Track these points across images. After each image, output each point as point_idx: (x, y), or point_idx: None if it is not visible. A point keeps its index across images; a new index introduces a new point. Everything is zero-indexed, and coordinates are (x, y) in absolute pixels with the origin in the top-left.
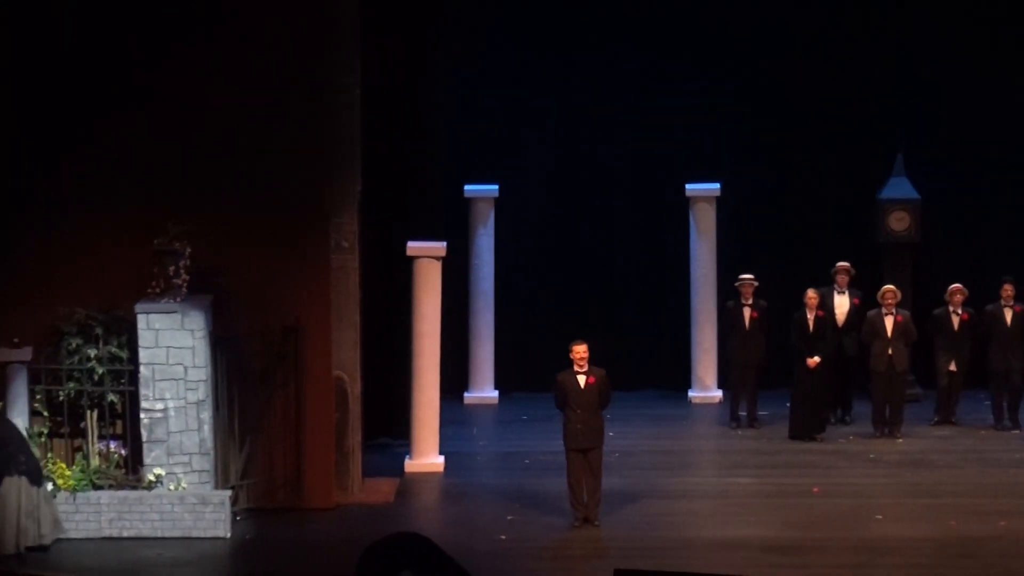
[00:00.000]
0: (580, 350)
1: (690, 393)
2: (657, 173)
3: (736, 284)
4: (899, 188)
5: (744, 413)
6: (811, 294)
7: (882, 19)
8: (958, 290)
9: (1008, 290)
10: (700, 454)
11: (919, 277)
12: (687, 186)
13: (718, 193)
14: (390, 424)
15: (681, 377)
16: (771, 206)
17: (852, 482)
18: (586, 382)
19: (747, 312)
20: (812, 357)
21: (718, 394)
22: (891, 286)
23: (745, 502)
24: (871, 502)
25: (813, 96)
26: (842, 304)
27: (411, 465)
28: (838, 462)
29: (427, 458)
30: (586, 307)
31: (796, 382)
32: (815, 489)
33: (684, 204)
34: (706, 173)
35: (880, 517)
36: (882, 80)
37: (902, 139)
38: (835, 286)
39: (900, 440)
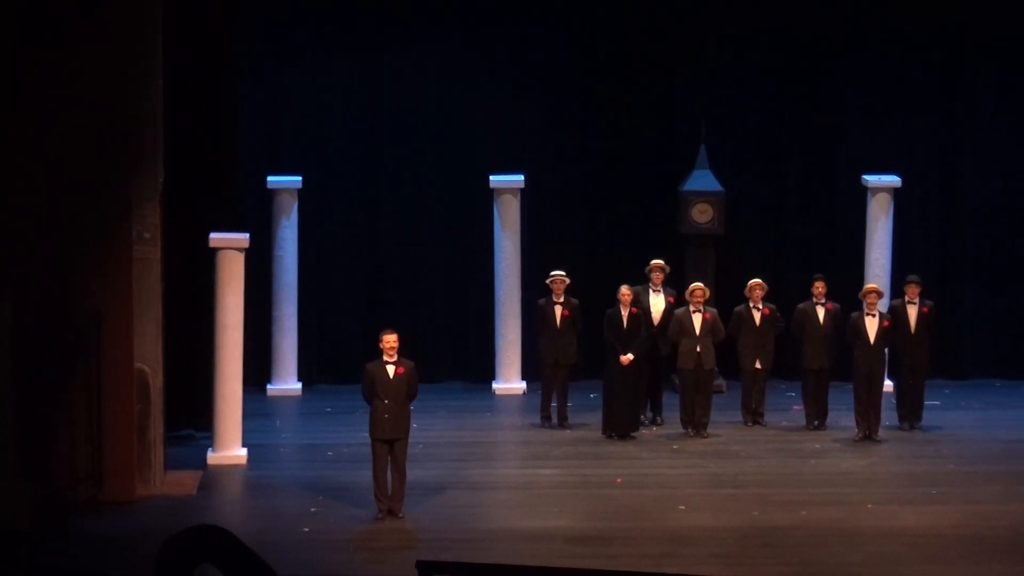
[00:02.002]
0: (390, 339)
1: (494, 385)
2: (461, 164)
3: (547, 281)
4: (702, 180)
5: (555, 405)
6: (625, 290)
7: (685, 11)
8: (757, 285)
9: (820, 288)
10: (504, 446)
11: (722, 270)
12: (491, 177)
13: (522, 185)
14: (193, 416)
15: (485, 369)
16: (576, 198)
17: (655, 473)
18: (395, 372)
19: (558, 310)
20: (625, 354)
21: (522, 386)
22: (699, 284)
23: (549, 493)
24: (674, 492)
25: (616, 87)
26: (657, 303)
27: (214, 458)
28: (641, 453)
29: (230, 450)
30: (390, 299)
31: (608, 379)
32: (618, 480)
33: (488, 196)
34: (510, 165)
35: (683, 507)
36: (685, 72)
37: (705, 131)
38: (650, 284)
39: (708, 438)
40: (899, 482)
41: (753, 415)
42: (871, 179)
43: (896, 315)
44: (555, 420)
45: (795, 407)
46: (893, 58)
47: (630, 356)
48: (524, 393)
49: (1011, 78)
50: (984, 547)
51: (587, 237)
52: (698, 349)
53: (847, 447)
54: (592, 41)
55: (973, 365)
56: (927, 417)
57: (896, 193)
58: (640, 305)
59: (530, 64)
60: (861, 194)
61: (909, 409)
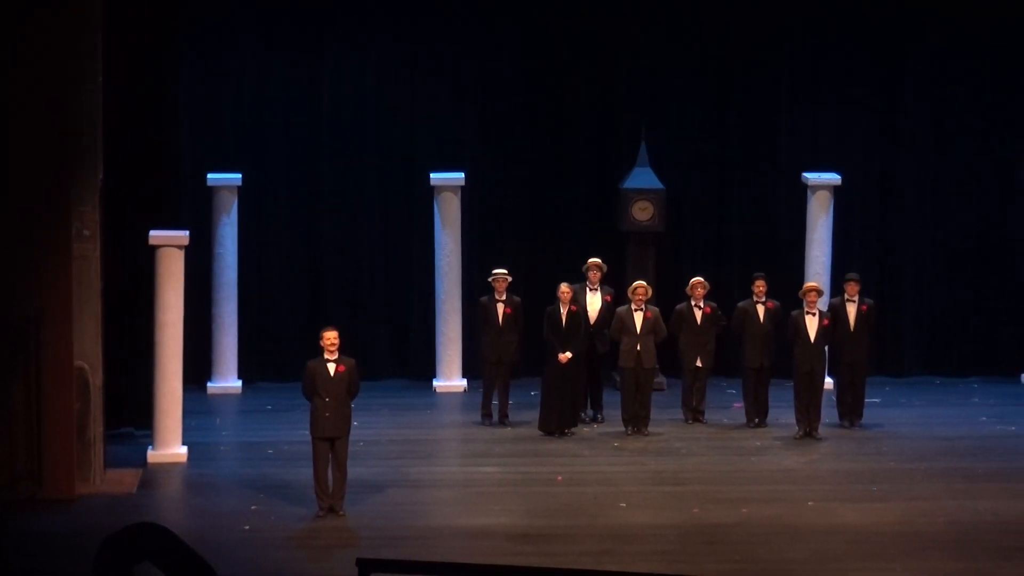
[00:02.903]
0: (331, 336)
1: (435, 383)
2: (401, 162)
3: (490, 279)
4: (642, 178)
5: (496, 402)
6: (564, 288)
7: (625, 9)
8: (699, 283)
9: (760, 286)
10: (445, 443)
11: (662, 268)
12: (431, 175)
13: (463, 182)
14: (133, 414)
15: (426, 367)
16: (516, 196)
17: (596, 470)
18: (336, 370)
19: (501, 308)
20: (564, 352)
21: (463, 383)
22: (642, 282)
23: (490, 491)
24: (615, 490)
25: (557, 84)
26: (594, 302)
27: (154, 456)
28: (582, 451)
29: (170, 448)
30: (331, 296)
31: (547, 377)
32: (559, 478)
33: (428, 193)
34: (451, 162)
35: (624, 505)
36: (625, 70)
37: (645, 129)
38: (587, 283)
39: (648, 436)
40: (839, 479)
41: (694, 413)
42: (811, 177)
43: (835, 313)
44: (496, 418)
45: (735, 404)
46: (834, 55)
47: (569, 354)
48: (465, 390)
49: (950, 75)
50: (924, 543)
51: (527, 235)
52: (638, 347)
53: (787, 445)
54: (532, 38)
55: (913, 363)
56: (867, 415)
57: (836, 191)
58: (577, 303)
59: (470, 61)
60: (801, 192)
61: (849, 407)
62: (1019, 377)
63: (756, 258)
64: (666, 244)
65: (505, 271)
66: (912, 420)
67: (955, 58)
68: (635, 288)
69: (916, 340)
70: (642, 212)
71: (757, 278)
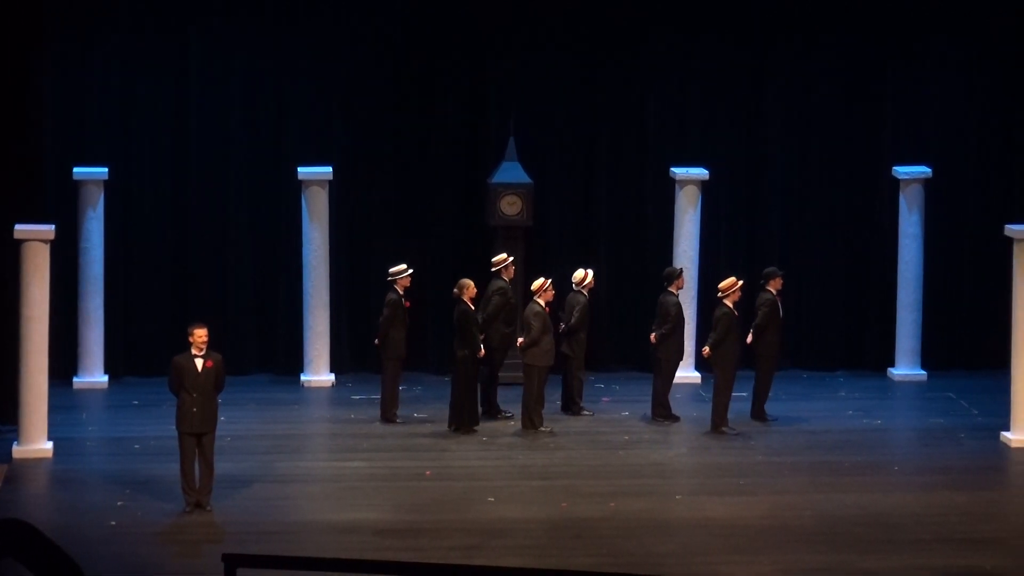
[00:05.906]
0: (201, 334)
1: (303, 377)
2: (269, 156)
3: (400, 277)
4: (511, 173)
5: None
6: (472, 284)
7: (494, 2)
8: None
9: (682, 282)
10: (313, 438)
11: (531, 262)
12: (299, 169)
13: (330, 177)
14: None
15: (293, 362)
16: (385, 190)
17: (464, 464)
18: (203, 366)
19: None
20: (480, 350)
21: (331, 378)
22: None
23: (358, 486)
24: (483, 484)
25: (425, 78)
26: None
27: (19, 451)
28: (450, 445)
29: (35, 444)
30: (198, 291)
31: (467, 375)
32: (427, 472)
33: (296, 187)
34: (318, 156)
35: (492, 499)
36: (494, 63)
37: (514, 124)
38: (505, 278)
39: (549, 430)
40: (707, 473)
41: (575, 406)
42: (679, 172)
43: (773, 308)
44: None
45: (604, 399)
46: (700, 49)
47: (483, 351)
48: (333, 385)
49: (816, 69)
50: (790, 536)
51: (395, 229)
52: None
53: (656, 438)
54: (401, 32)
55: (781, 357)
56: (736, 409)
57: (704, 185)
58: (511, 300)
59: (338, 55)
60: (669, 186)
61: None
62: (886, 371)
63: (624, 252)
64: (534, 238)
65: (405, 266)
66: (779, 414)
67: (821, 51)
68: (549, 285)
69: (783, 334)
70: (510, 206)
71: (680, 272)
